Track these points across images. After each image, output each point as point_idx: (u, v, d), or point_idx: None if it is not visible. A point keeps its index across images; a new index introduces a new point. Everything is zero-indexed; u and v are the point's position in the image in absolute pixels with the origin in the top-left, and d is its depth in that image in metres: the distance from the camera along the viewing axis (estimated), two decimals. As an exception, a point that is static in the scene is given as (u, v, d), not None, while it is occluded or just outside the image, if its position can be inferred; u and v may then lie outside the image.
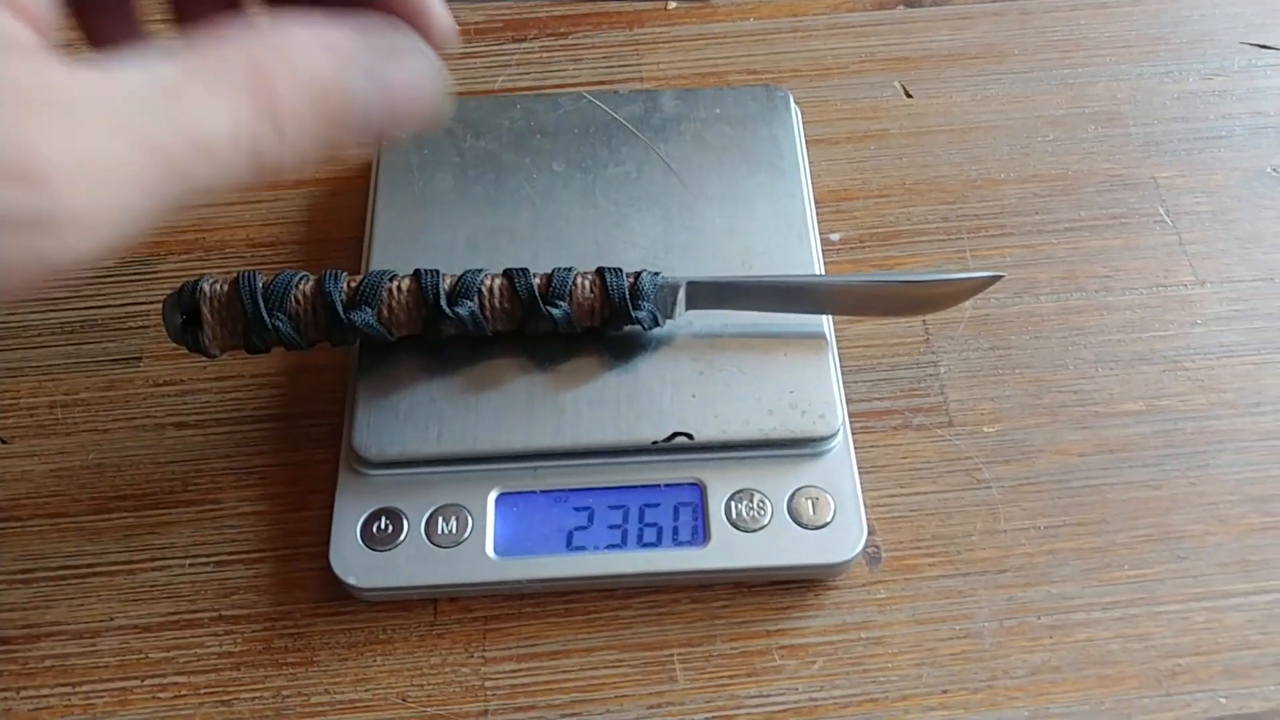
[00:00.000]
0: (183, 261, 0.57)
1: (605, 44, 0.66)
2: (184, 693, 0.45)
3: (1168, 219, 0.57)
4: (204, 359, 0.51)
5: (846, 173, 0.59)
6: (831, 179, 0.59)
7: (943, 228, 0.57)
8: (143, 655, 0.46)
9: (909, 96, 0.63)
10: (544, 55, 0.65)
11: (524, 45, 0.66)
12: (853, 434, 0.49)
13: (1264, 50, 0.64)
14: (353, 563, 0.45)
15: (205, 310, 0.47)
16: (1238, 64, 0.63)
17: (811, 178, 0.55)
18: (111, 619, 0.47)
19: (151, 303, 0.55)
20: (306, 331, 0.48)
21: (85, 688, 0.45)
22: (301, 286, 0.47)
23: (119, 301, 0.55)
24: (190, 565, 0.48)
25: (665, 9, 0.67)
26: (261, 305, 0.46)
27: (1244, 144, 0.59)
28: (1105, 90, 0.63)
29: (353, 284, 0.47)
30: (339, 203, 0.59)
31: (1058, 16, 0.66)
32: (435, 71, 0.34)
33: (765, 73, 0.64)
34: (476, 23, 0.67)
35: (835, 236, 0.56)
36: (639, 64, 0.65)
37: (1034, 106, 0.62)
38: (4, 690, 0.45)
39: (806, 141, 0.57)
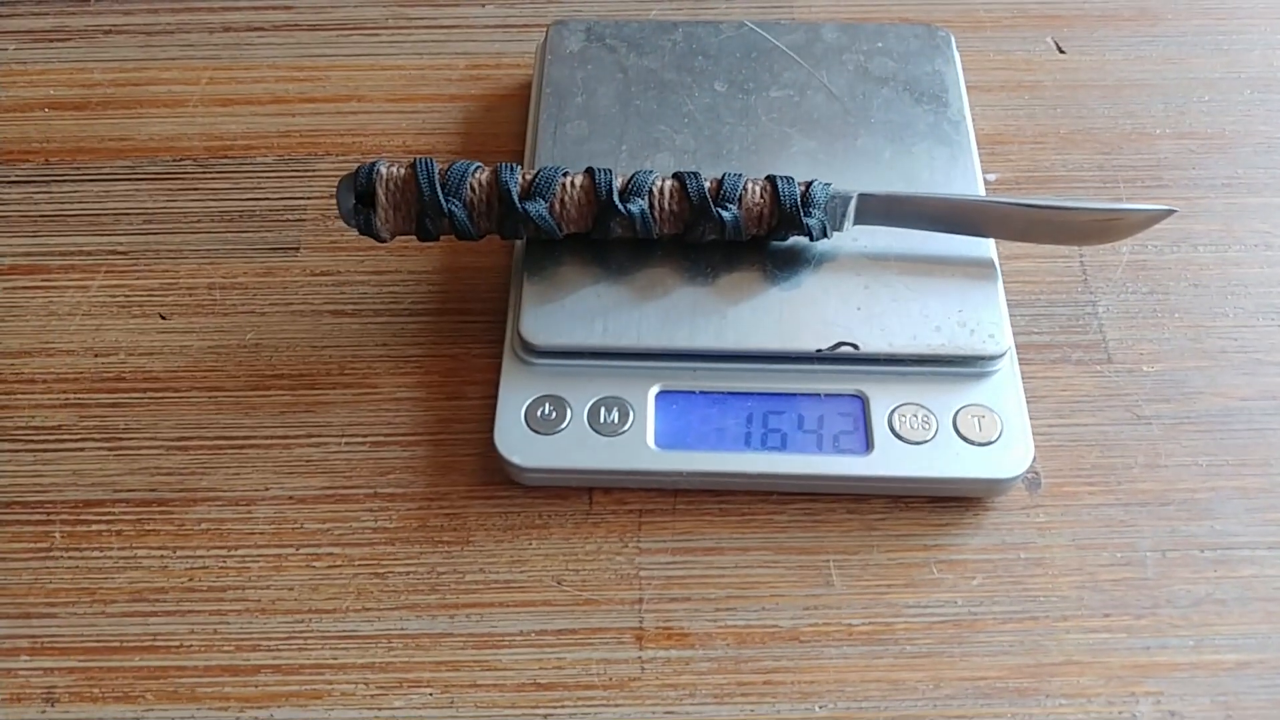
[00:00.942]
0: (339, 162, 0.57)
1: (758, -15, 0.66)
2: (339, 563, 0.45)
3: (1328, 182, 0.56)
4: (360, 253, 0.52)
5: (1001, 118, 0.59)
6: (986, 123, 0.58)
7: (1098, 176, 0.57)
8: (298, 525, 0.46)
9: (1061, 52, 0.62)
10: (697, -9, 0.65)
11: (676, -18, 0.66)
12: (1013, 362, 0.48)
13: None
14: (517, 443, 0.45)
15: (380, 192, 0.47)
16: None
17: (970, 118, 0.55)
18: (267, 489, 0.47)
19: (310, 198, 0.56)
20: (479, 221, 0.48)
21: (240, 552, 0.46)
22: (478, 175, 0.48)
23: (277, 195, 0.56)
24: (346, 444, 0.48)
25: (817, -43, 0.67)
26: (439, 190, 0.47)
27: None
28: (1260, 57, 0.62)
29: (527, 176, 0.48)
30: (495, 117, 0.59)
31: (1211, -14, 0.66)
32: None
33: (919, 20, 0.64)
34: (629, -42, 0.67)
35: (991, 177, 0.56)
36: (792, 6, 0.65)
37: (1188, 68, 0.62)
38: (161, 549, 0.46)
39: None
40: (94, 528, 0.46)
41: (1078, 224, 0.48)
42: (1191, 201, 0.56)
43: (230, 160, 0.57)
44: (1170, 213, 0.48)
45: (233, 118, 0.59)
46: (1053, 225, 0.48)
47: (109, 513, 0.46)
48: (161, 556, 0.45)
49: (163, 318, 0.51)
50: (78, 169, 0.57)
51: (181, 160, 0.57)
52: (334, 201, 0.53)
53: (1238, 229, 0.55)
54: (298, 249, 0.54)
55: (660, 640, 0.43)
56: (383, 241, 0.48)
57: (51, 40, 0.63)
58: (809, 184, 0.48)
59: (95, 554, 0.45)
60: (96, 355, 0.50)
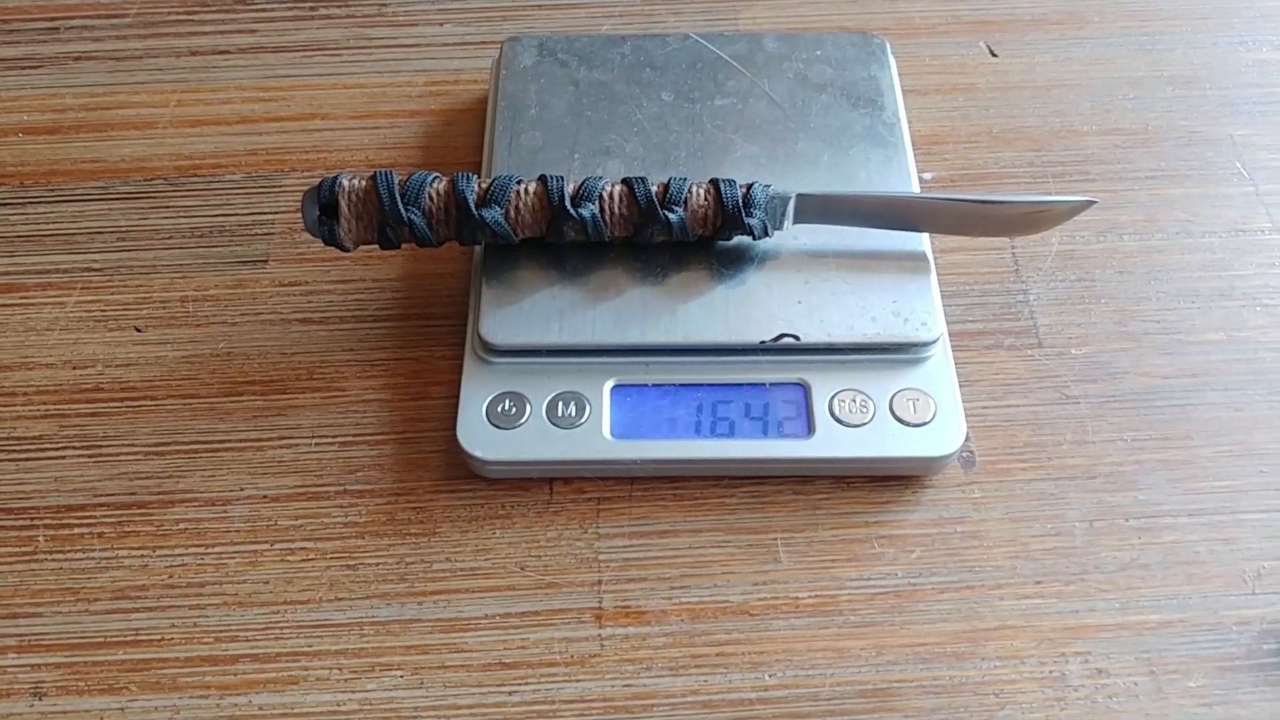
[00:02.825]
0: (304, 178, 0.60)
1: (703, -1, 0.69)
2: (312, 557, 0.47)
3: (1244, 171, 0.59)
4: (326, 263, 0.54)
5: (936, 119, 0.62)
6: (922, 125, 0.61)
7: (1029, 172, 0.60)
8: (272, 522, 0.48)
9: (994, 56, 0.65)
10: (645, 6, 0.68)
11: (625, -3, 0.69)
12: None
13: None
14: (479, 438, 0.48)
15: (343, 203, 0.50)
16: (1311, 36, 0.66)
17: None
18: (242, 489, 0.49)
19: (277, 212, 0.58)
20: (438, 228, 0.50)
21: (217, 549, 0.48)
22: (435, 185, 0.50)
23: (246, 210, 0.58)
24: (316, 444, 0.50)
25: (760, -30, 0.70)
26: (399, 200, 0.49)
27: (1318, 108, 0.62)
28: (1182, 56, 0.65)
29: (483, 185, 0.50)
30: (454, 130, 0.62)
31: (1135, -11, 0.69)
32: None
33: (857, 28, 0.67)
34: (580, -25, 0.70)
35: (927, 176, 0.59)
36: (736, 19, 0.68)
37: (1114, 68, 0.65)
38: (141, 549, 0.48)
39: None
40: (76, 531, 0.48)
41: (1004, 216, 0.51)
42: (1117, 193, 0.59)
43: (200, 179, 0.60)
44: (1091, 204, 0.51)
45: (201, 138, 0.61)
46: (981, 218, 0.51)
47: (90, 516, 0.49)
48: (142, 556, 0.48)
49: (138, 330, 0.54)
50: (52, 190, 0.59)
51: (152, 180, 0.60)
52: (300, 215, 0.55)
53: (1160, 218, 0.58)
54: (266, 261, 0.56)
55: (618, 618, 0.46)
56: (346, 251, 0.51)
57: (23, 67, 0.65)
58: (750, 186, 0.50)
59: (78, 555, 0.48)
60: (75, 368, 0.53)
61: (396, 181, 0.50)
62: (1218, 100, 0.63)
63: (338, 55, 0.65)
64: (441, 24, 0.67)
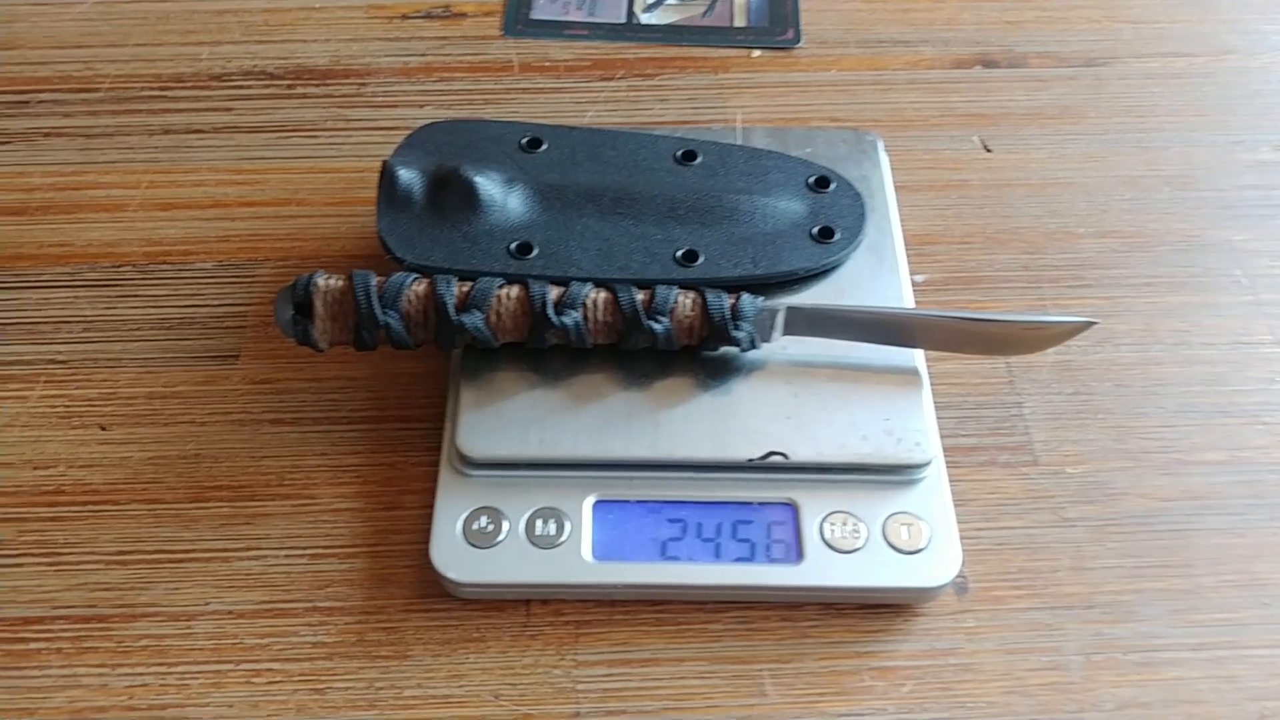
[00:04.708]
0: (279, 268, 0.58)
1: (691, 86, 0.67)
2: (278, 679, 0.45)
3: (1244, 280, 0.58)
4: (299, 361, 0.52)
5: (929, 218, 0.61)
6: (915, 223, 0.60)
7: (1024, 276, 0.58)
8: (238, 640, 0.46)
9: (988, 151, 0.64)
10: (631, 94, 0.67)
11: (611, 84, 0.67)
12: (941, 467, 0.50)
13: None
14: (453, 558, 0.46)
15: (318, 304, 0.48)
16: (1309, 138, 0.65)
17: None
18: (207, 603, 0.47)
19: (249, 304, 0.56)
20: (415, 331, 0.49)
21: (180, 669, 0.46)
22: (414, 287, 0.48)
23: (217, 302, 0.56)
24: (285, 556, 0.48)
25: (749, 56, 0.69)
26: (375, 302, 0.47)
27: (1317, 213, 0.61)
28: (1179, 155, 0.64)
29: (464, 289, 0.48)
30: (434, 219, 0.60)
31: (1131, 84, 0.68)
32: None
33: (847, 121, 0.66)
34: (566, 60, 0.68)
35: (919, 278, 0.57)
36: (724, 106, 0.66)
37: (1110, 166, 0.64)
38: (100, 667, 0.46)
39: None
40: (33, 645, 0.46)
41: (1002, 336, 0.50)
42: (1114, 301, 0.57)
43: (170, 266, 0.58)
44: (1091, 324, 0.49)
45: (172, 222, 0.60)
46: (978, 336, 0.50)
47: (48, 630, 0.47)
48: (101, 674, 0.45)
49: (102, 429, 0.52)
50: (16, 275, 0.57)
51: (121, 266, 0.58)
52: (272, 309, 0.53)
53: (1158, 328, 0.56)
54: (237, 356, 0.54)
55: (596, 755, 0.44)
56: (320, 351, 0.49)
57: (-9, 143, 0.63)
58: (738, 296, 0.49)
59: (34, 673, 0.45)
60: (35, 468, 0.51)
61: (374, 283, 0.48)
62: (1216, 202, 0.61)
63: (315, 137, 0.64)
64: (422, 106, 0.65)
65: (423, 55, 0.68)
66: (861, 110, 0.66)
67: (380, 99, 0.66)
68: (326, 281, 0.48)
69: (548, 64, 0.68)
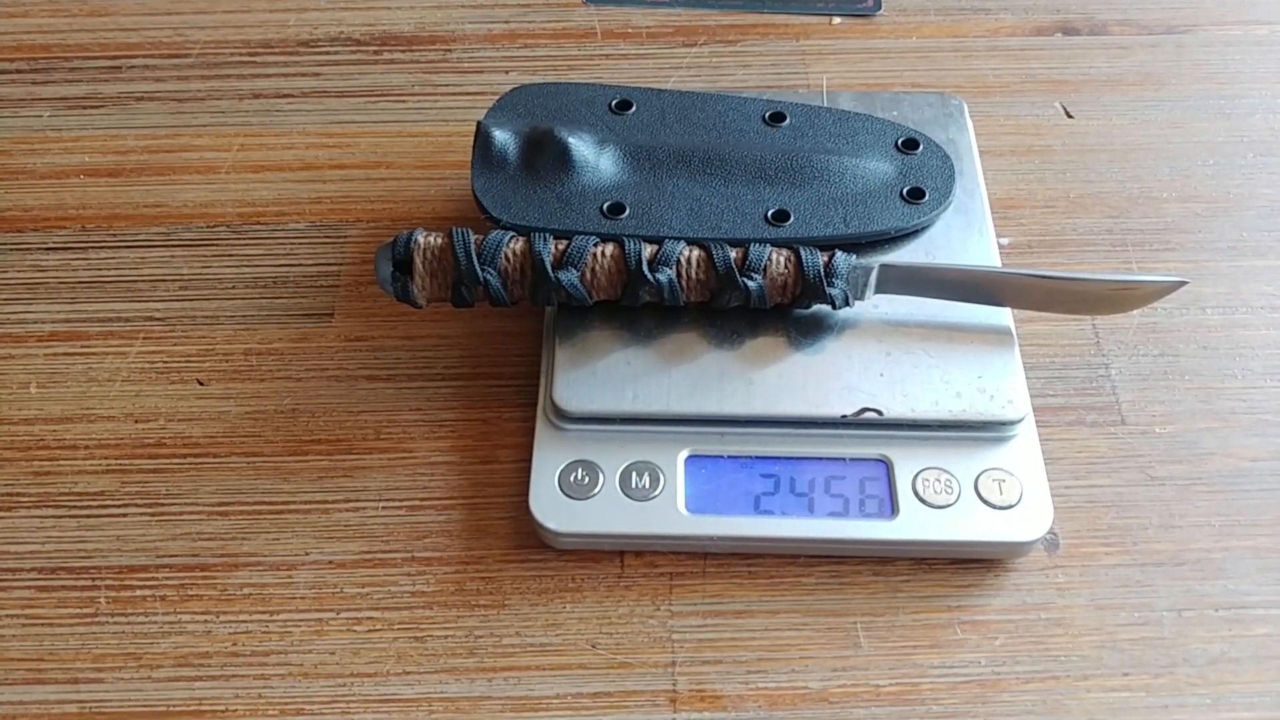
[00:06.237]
0: (371, 228, 0.59)
1: (772, 52, 0.68)
2: (379, 627, 0.46)
3: (1330, 245, 0.58)
4: (393, 319, 0.53)
5: (1012, 183, 0.61)
6: (998, 187, 0.60)
7: (1108, 239, 0.58)
8: (338, 590, 0.47)
9: (1070, 117, 0.64)
10: (713, 60, 0.67)
11: (694, 50, 0.68)
12: (1029, 425, 0.50)
13: None
14: (551, 509, 0.47)
15: (418, 261, 0.49)
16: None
17: (983, 184, 0.57)
18: (307, 554, 0.48)
19: (342, 264, 0.57)
20: (512, 289, 0.49)
21: (282, 617, 0.47)
22: (512, 245, 0.49)
23: (311, 261, 0.57)
24: (383, 508, 0.49)
25: (830, 23, 0.69)
26: (474, 259, 0.48)
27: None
28: (1262, 121, 0.64)
29: (560, 246, 0.49)
30: (520, 182, 0.60)
31: (1212, 51, 0.68)
32: None
33: (929, 86, 0.66)
34: (649, 27, 0.69)
35: (1004, 241, 0.58)
36: (806, 72, 0.66)
37: (1192, 133, 0.63)
38: (204, 614, 0.47)
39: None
40: (139, 593, 0.47)
41: (1092, 295, 0.50)
42: (1199, 264, 0.57)
43: (263, 226, 0.59)
44: (1182, 284, 0.49)
45: (265, 184, 0.61)
46: (1067, 296, 0.50)
47: (153, 578, 0.48)
48: (205, 621, 0.46)
49: (201, 384, 0.53)
50: (114, 235, 0.58)
51: (215, 227, 0.59)
52: (366, 268, 0.54)
53: (1244, 291, 0.56)
54: (332, 314, 0.55)
55: (694, 703, 0.44)
56: (418, 308, 0.50)
57: (85, 107, 0.64)
58: (831, 255, 0.49)
59: (140, 619, 0.47)
60: (137, 421, 0.52)
61: (473, 240, 0.49)
62: (1301, 168, 0.61)
63: (402, 102, 0.64)
64: (507, 72, 0.66)
65: (506, 22, 0.68)
66: (943, 77, 0.66)
67: (465, 65, 0.66)
68: (426, 239, 0.49)
69: (630, 30, 0.68)
